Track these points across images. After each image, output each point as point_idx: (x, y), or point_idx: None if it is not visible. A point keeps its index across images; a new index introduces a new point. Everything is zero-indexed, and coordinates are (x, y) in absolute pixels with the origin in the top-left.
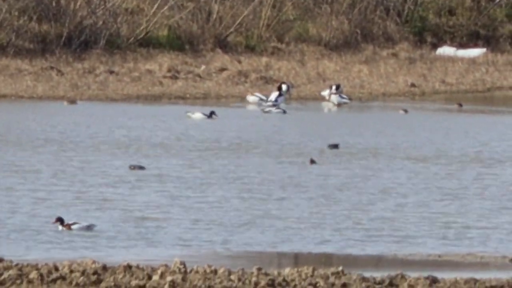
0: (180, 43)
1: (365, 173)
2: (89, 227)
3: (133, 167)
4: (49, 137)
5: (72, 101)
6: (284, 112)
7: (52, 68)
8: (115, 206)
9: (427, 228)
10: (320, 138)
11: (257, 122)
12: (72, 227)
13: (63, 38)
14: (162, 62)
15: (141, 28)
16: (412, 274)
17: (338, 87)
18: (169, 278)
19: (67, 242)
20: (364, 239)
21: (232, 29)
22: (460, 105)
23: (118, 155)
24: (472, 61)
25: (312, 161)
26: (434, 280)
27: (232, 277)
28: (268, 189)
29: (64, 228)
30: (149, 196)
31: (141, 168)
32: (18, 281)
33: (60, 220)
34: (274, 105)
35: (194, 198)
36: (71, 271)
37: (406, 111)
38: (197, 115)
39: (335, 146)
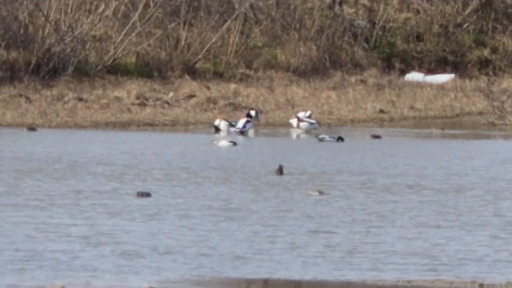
0: (148, 70)
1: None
2: None
3: (141, 194)
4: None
5: (32, 128)
6: (341, 139)
7: (20, 95)
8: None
9: (399, 255)
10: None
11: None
12: None
13: (32, 66)
14: (130, 89)
15: (109, 55)
16: None
17: (310, 116)
18: None
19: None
20: (336, 266)
21: (200, 56)
22: (442, 129)
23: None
24: (441, 87)
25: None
26: None
27: None
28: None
29: None
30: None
31: (148, 195)
32: None
33: None
34: (242, 132)
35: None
36: None
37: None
38: (223, 143)
39: (281, 170)
